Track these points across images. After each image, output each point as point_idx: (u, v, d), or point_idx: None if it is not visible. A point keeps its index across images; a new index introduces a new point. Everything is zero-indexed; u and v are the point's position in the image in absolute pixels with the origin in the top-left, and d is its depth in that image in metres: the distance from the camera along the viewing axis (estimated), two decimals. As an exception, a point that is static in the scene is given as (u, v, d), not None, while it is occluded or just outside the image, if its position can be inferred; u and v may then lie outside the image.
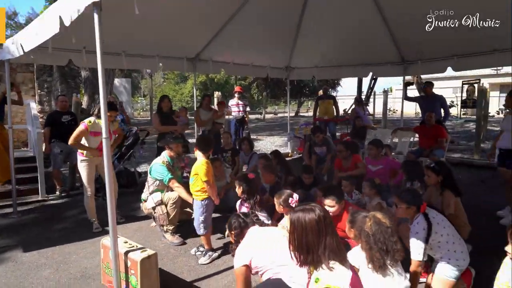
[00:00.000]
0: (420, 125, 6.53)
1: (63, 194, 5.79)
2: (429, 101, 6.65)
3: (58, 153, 5.61)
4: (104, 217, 4.29)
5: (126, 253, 2.73)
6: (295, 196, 2.74)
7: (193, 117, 7.13)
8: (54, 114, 5.84)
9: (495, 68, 25.30)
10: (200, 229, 3.50)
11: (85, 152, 4.21)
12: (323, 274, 1.57)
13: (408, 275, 2.38)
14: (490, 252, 2.71)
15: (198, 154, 3.46)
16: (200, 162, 3.38)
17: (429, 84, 6.86)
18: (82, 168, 4.26)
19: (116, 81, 19.55)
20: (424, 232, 2.54)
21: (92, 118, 4.20)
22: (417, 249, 2.52)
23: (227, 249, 3.64)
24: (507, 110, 4.49)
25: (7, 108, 5.11)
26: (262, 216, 3.51)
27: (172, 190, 3.98)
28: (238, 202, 3.72)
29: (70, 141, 4.17)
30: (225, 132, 7.25)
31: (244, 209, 3.49)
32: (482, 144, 8.44)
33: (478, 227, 3.69)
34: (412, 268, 2.55)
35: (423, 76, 21.66)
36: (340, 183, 4.26)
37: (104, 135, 2.54)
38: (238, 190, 3.52)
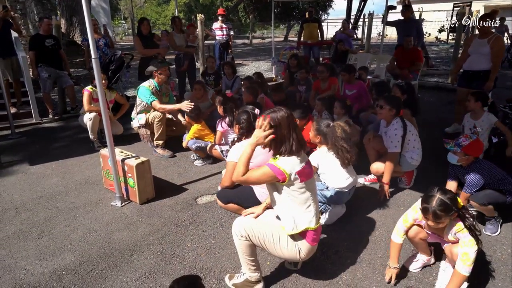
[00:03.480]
0: (398, 48, 6.70)
1: (56, 117, 6.09)
2: (406, 25, 6.75)
3: (47, 77, 5.76)
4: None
5: (123, 160, 3.19)
6: (257, 111, 3.12)
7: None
8: (37, 38, 5.80)
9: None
10: (192, 146, 4.05)
11: None
12: (281, 158, 1.98)
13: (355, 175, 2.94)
14: (432, 156, 3.51)
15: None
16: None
17: (407, 7, 6.88)
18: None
19: (93, 1, 18.31)
20: (402, 129, 3.18)
21: (92, 86, 4.61)
22: (394, 143, 3.16)
23: (213, 161, 4.19)
24: (473, 34, 4.70)
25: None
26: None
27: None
28: (218, 121, 4.10)
29: (86, 109, 4.56)
30: (210, 56, 7.34)
31: (221, 128, 3.88)
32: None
33: (430, 137, 4.41)
34: (389, 159, 3.18)
35: (416, -2, 20.82)
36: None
37: (93, 55, 2.79)
38: (219, 110, 3.91)
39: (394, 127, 3.19)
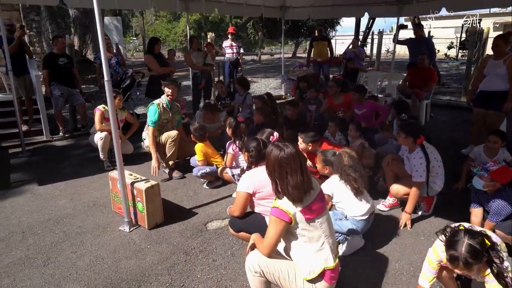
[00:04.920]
0: (412, 67, 6.61)
1: (66, 135, 6.09)
2: (418, 44, 6.70)
3: (59, 95, 5.79)
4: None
5: (132, 183, 3.12)
6: (275, 134, 3.03)
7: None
8: (51, 56, 5.84)
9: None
10: (197, 174, 3.97)
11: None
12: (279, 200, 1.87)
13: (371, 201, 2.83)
14: (448, 178, 3.39)
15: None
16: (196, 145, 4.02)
17: (419, 26, 6.85)
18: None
19: (106, 19, 18.71)
20: (424, 159, 3.04)
21: (104, 105, 4.57)
22: (420, 172, 3.03)
23: (224, 183, 4.07)
24: (487, 54, 4.60)
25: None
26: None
27: (171, 129, 4.29)
28: (228, 143, 4.03)
29: (97, 128, 4.54)
30: (219, 81, 7.38)
31: (231, 150, 3.79)
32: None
33: (444, 158, 4.21)
34: (414, 188, 3.05)
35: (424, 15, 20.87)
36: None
37: (106, 78, 2.76)
38: (228, 131, 3.85)
39: (418, 155, 3.06)
